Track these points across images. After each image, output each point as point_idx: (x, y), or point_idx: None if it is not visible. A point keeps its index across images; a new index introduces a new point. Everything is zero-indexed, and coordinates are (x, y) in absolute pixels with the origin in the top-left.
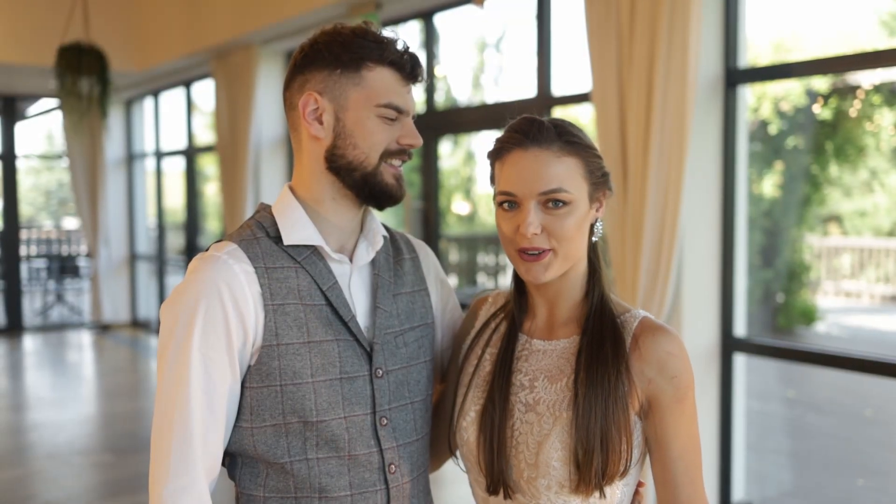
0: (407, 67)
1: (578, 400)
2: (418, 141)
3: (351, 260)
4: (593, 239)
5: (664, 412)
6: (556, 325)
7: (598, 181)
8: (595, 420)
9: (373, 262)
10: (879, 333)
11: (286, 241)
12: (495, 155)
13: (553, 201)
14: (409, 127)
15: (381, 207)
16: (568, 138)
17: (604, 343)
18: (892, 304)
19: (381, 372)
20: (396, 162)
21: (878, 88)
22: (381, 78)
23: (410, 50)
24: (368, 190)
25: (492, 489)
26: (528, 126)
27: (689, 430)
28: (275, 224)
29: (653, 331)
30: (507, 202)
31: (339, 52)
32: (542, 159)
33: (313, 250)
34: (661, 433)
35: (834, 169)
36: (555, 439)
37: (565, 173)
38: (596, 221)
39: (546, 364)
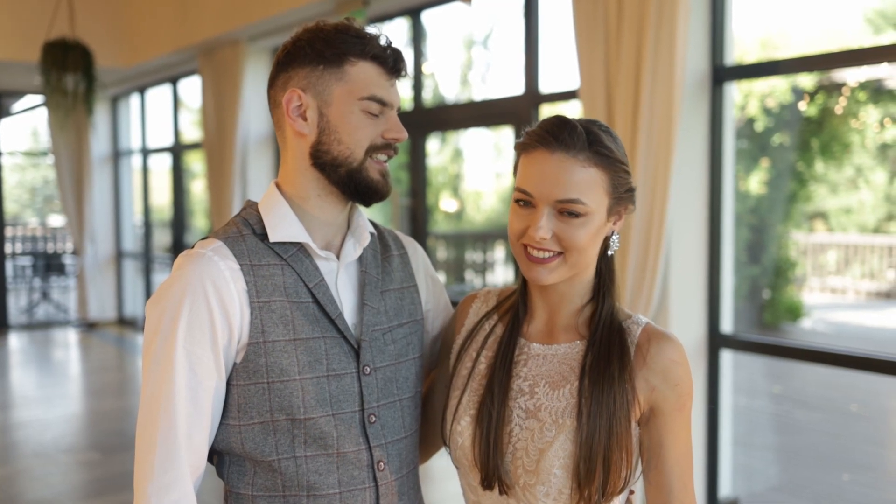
0: (389, 61)
1: (582, 415)
2: (403, 135)
3: (338, 257)
4: (608, 252)
5: (665, 419)
6: (557, 329)
7: (622, 196)
8: (599, 438)
9: (360, 259)
10: (865, 329)
11: (272, 238)
12: (521, 148)
13: (568, 211)
14: (393, 121)
15: (367, 204)
16: (598, 149)
17: (611, 357)
18: (878, 300)
19: (368, 369)
20: (382, 157)
21: (863, 86)
22: (363, 72)
23: (393, 45)
24: (354, 186)
25: (486, 484)
26: (559, 128)
27: (685, 437)
28: (261, 221)
29: (657, 339)
30: (523, 200)
31: (322, 48)
32: (565, 166)
33: (299, 247)
34: (659, 439)
35: (820, 166)
36: (558, 447)
37: (587, 184)
38: (612, 234)
39: (547, 369)
